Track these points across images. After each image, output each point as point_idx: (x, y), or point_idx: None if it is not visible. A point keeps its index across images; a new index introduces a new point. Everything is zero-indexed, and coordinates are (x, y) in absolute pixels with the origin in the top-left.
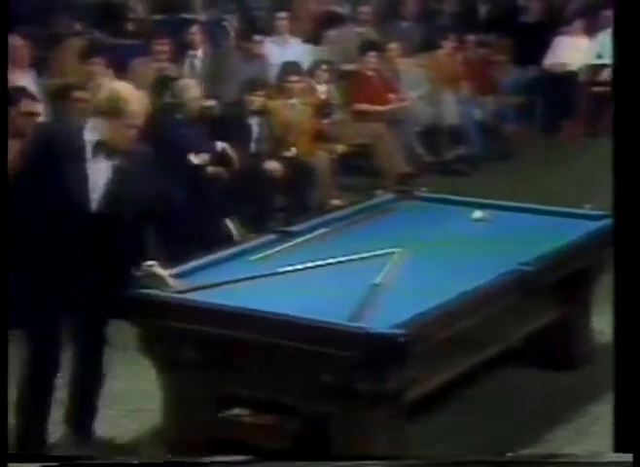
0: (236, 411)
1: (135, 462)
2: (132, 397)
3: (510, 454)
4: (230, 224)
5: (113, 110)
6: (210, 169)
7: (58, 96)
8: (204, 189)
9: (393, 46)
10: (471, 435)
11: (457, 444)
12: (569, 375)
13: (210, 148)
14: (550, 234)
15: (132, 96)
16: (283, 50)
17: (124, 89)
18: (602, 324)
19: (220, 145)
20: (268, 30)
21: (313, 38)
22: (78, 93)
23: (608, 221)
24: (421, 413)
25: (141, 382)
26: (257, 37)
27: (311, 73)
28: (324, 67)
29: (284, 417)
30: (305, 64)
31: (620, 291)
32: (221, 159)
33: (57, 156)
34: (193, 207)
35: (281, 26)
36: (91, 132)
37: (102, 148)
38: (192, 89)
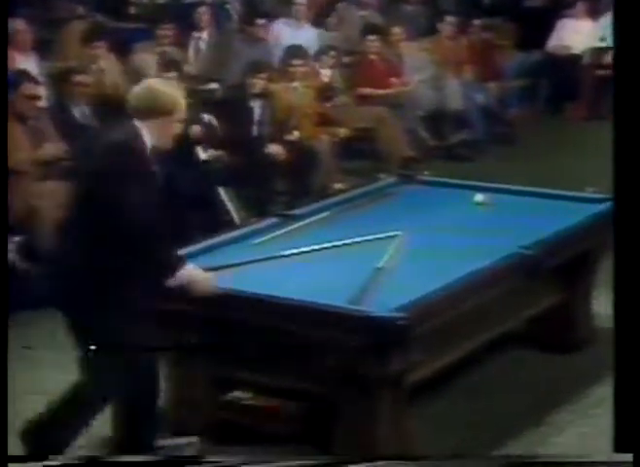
0: (238, 394)
1: (135, 461)
2: None
3: (509, 455)
4: (231, 207)
5: (159, 109)
6: (211, 152)
7: (60, 80)
8: (205, 172)
9: (396, 30)
10: (472, 417)
11: (459, 426)
12: (571, 357)
13: (196, 121)
14: (551, 218)
15: (172, 90)
16: (295, 33)
17: (161, 85)
18: (603, 307)
19: (206, 117)
20: (272, 13)
21: (319, 22)
22: (80, 77)
23: (610, 204)
24: (424, 396)
25: None
26: (260, 20)
27: (316, 57)
28: (332, 53)
29: (286, 401)
30: (312, 48)
31: (619, 277)
32: (208, 131)
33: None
34: (192, 192)
35: (298, 11)
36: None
37: (156, 151)
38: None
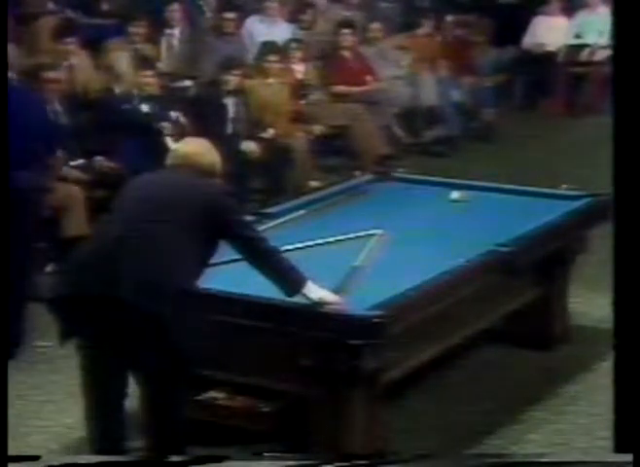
0: (213, 394)
1: (135, 461)
2: None
3: (507, 455)
4: None
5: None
6: None
7: (31, 76)
8: None
9: (376, 25)
10: (448, 415)
11: (434, 424)
12: (546, 354)
13: (166, 118)
14: (527, 215)
15: (212, 152)
16: (270, 29)
17: (204, 148)
18: (578, 304)
19: (174, 114)
20: (247, 9)
21: (295, 19)
22: (50, 74)
23: (585, 201)
24: (399, 394)
25: None
26: (234, 15)
27: (291, 53)
28: (306, 50)
29: (262, 400)
30: (287, 45)
31: (620, 277)
32: (176, 128)
33: None
34: None
35: (272, 7)
36: None
37: None
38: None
